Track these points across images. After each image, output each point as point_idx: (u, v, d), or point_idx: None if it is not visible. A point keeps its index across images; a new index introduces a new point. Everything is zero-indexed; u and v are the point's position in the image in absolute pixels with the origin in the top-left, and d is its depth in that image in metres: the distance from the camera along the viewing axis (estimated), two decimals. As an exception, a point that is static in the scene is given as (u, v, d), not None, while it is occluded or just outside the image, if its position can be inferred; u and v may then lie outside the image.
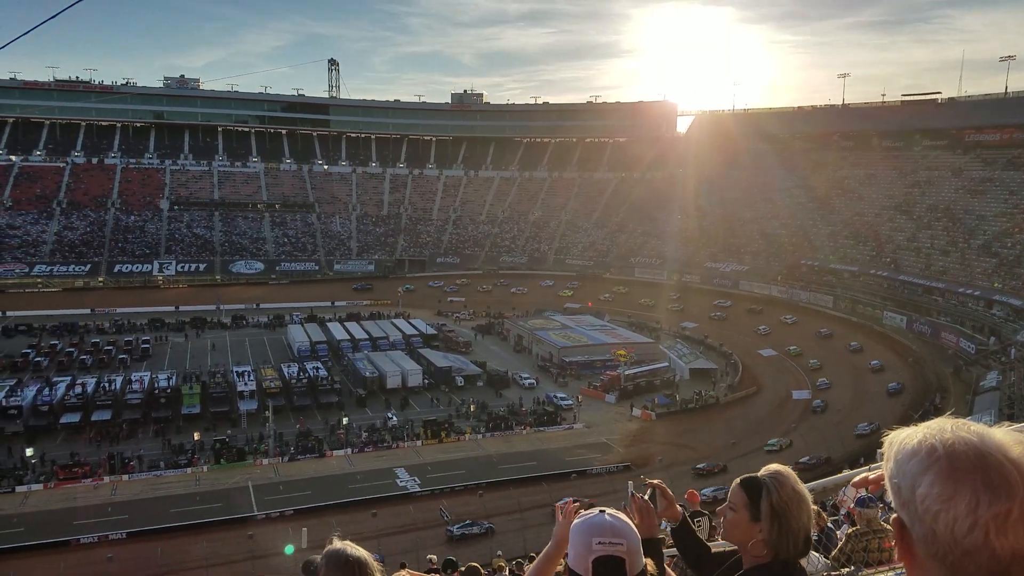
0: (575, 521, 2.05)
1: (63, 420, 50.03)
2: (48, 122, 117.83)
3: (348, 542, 2.58)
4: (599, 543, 1.95)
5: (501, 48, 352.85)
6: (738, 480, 2.50)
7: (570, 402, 58.21)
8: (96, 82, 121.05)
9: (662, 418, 56.94)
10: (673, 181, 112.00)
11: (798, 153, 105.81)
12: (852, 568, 4.96)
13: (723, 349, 72.78)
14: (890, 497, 1.27)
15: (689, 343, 74.86)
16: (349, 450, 49.42)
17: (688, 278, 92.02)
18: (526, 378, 64.04)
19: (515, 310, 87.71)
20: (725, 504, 2.53)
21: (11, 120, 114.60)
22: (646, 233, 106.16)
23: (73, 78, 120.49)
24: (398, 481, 45.44)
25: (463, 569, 9.08)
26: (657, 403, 58.82)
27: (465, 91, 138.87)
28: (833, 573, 4.98)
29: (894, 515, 1.25)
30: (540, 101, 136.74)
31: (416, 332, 74.94)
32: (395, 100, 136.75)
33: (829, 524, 6.83)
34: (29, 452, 44.92)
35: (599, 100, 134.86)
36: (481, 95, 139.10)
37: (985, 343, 57.26)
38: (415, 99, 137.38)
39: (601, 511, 2.05)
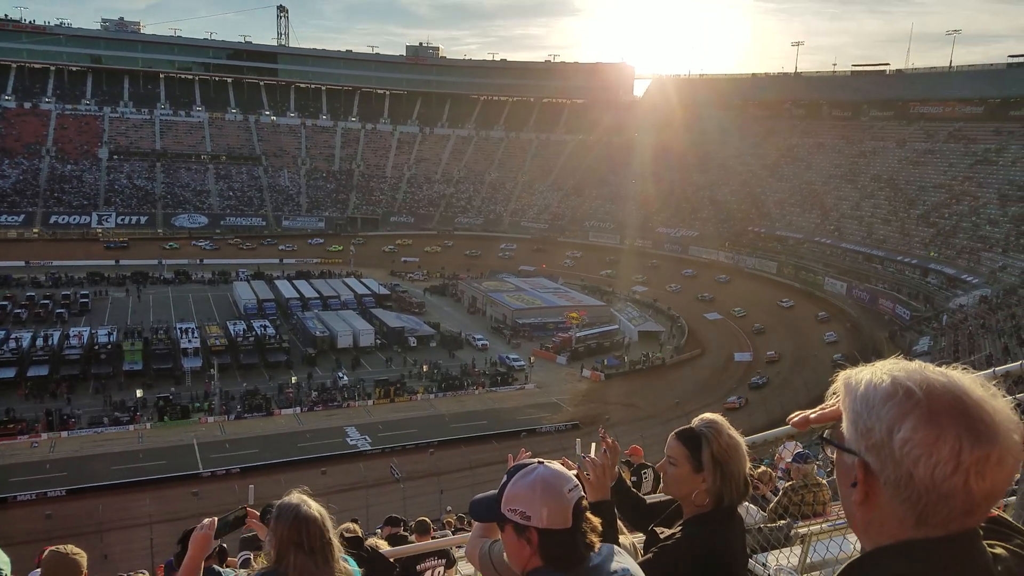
0: (528, 479, 1.92)
1: (-3, 376, 48.26)
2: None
3: (305, 496, 2.54)
4: (570, 490, 1.91)
5: (458, 1, 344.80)
6: (674, 433, 2.53)
7: (522, 363, 58.76)
8: (27, 21, 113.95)
9: (611, 379, 58.10)
10: (630, 145, 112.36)
11: (751, 120, 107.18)
12: (788, 520, 5.14)
13: (671, 312, 74.30)
14: (850, 437, 1.22)
15: (639, 306, 76.13)
16: (298, 409, 49.00)
17: (641, 243, 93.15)
18: (479, 339, 64.21)
19: (469, 272, 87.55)
20: (663, 460, 2.57)
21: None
22: (601, 197, 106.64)
23: (2, 16, 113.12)
24: (348, 440, 45.44)
25: (412, 524, 9.13)
26: (606, 364, 59.93)
27: (421, 44, 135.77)
28: (769, 524, 5.13)
29: (853, 458, 1.21)
30: (498, 58, 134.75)
31: (368, 292, 74.14)
32: (347, 51, 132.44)
33: (777, 486, 7.05)
34: (-40, 408, 43.30)
35: (557, 60, 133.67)
36: (437, 49, 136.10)
37: (919, 310, 59.75)
38: (368, 50, 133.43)
39: (540, 462, 1.99)
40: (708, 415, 2.50)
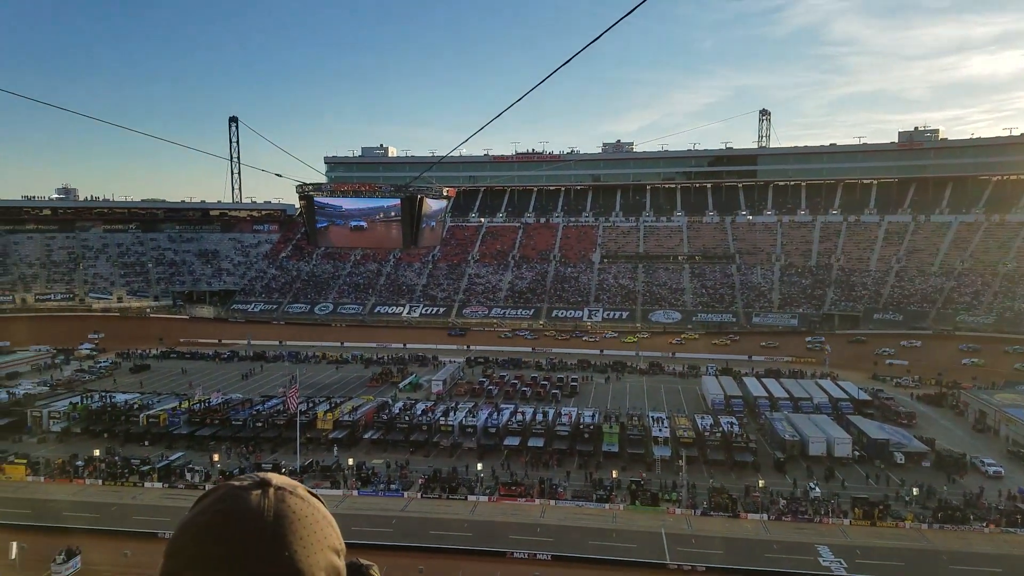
0: None
1: (506, 442, 56.94)
2: (508, 189, 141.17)
3: None
4: None
5: (962, 78, 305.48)
6: None
7: (1060, 503, 44.62)
8: (547, 152, 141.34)
9: None
10: None
11: None
12: None
13: None
14: None
15: None
16: (765, 515, 45.74)
17: None
18: (990, 465, 51.95)
19: (976, 380, 72.15)
20: None
21: (482, 189, 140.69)
22: None
23: (529, 151, 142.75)
24: (821, 560, 40.28)
25: None
26: None
27: (916, 128, 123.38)
28: None
29: None
30: (1017, 133, 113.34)
31: (845, 396, 67.01)
32: (831, 144, 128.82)
33: None
34: (479, 467, 52.12)
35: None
36: (936, 131, 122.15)
37: None
38: (854, 141, 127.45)
39: None
40: None
